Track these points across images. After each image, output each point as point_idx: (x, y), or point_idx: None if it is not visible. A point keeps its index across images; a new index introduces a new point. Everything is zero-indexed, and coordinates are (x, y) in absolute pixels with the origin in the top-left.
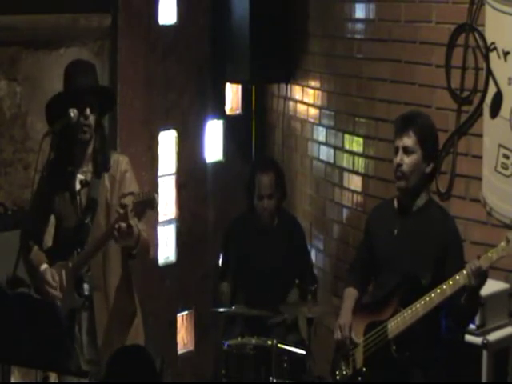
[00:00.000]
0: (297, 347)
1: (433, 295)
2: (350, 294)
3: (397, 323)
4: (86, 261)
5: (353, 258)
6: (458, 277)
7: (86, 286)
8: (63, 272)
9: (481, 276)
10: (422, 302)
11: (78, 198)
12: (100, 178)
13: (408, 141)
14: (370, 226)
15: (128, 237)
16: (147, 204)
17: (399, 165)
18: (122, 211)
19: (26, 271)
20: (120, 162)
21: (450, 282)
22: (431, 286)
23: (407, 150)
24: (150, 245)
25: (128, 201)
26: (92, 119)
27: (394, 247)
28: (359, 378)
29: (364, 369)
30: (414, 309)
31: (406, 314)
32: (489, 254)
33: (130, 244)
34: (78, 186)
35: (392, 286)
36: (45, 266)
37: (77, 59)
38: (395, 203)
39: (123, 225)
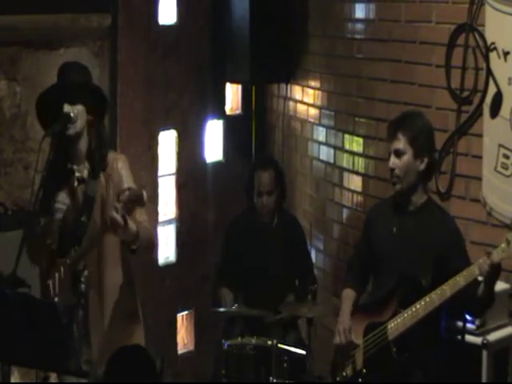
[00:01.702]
0: (297, 347)
1: (433, 296)
2: (348, 297)
3: (397, 324)
4: (82, 257)
5: (350, 257)
6: (458, 278)
7: (82, 283)
8: (61, 269)
9: (495, 270)
10: (422, 303)
11: (75, 195)
12: (97, 178)
13: (398, 143)
14: (369, 225)
15: (123, 229)
16: (135, 200)
17: (392, 169)
18: (117, 205)
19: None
20: (116, 160)
21: (451, 283)
22: (431, 287)
23: (398, 153)
24: (153, 237)
25: (125, 197)
26: (76, 115)
27: (393, 246)
28: (359, 380)
29: (364, 370)
30: (414, 310)
31: (406, 315)
32: (490, 254)
33: (128, 238)
34: (75, 183)
35: (391, 287)
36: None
37: (66, 61)
38: (393, 202)
39: (117, 216)
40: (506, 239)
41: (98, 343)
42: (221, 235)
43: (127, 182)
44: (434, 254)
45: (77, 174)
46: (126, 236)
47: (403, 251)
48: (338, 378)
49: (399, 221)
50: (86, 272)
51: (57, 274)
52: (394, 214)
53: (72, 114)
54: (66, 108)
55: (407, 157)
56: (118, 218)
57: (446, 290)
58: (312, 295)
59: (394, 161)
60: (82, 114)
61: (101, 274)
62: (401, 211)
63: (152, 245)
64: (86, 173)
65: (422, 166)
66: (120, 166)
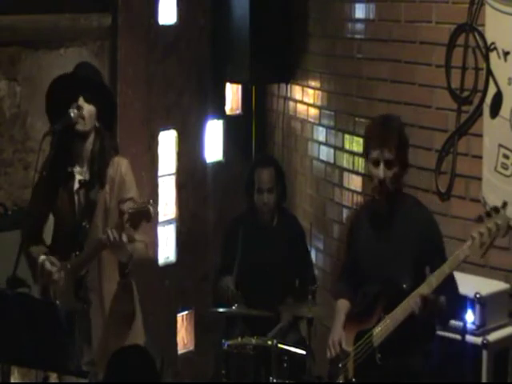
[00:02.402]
0: (297, 347)
1: (410, 300)
2: (342, 308)
3: (380, 331)
4: (84, 264)
5: (341, 264)
6: (431, 278)
7: (84, 289)
8: (62, 272)
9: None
10: (402, 308)
11: (76, 198)
12: (101, 183)
13: (390, 155)
14: (350, 234)
15: (118, 249)
16: (142, 215)
17: (383, 180)
18: (118, 220)
19: (28, 265)
20: (120, 164)
21: (425, 285)
22: (412, 289)
23: (389, 164)
24: (148, 256)
25: (127, 206)
26: (87, 112)
27: (373, 253)
28: None
29: (354, 379)
30: (393, 315)
31: (388, 321)
32: (456, 255)
33: (122, 259)
34: (76, 186)
35: (375, 294)
36: (43, 256)
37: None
38: (370, 208)
39: (115, 235)
40: (471, 236)
41: (100, 345)
42: (221, 235)
43: (130, 189)
44: (414, 255)
45: (79, 177)
46: (121, 257)
47: (383, 257)
48: None
49: (377, 227)
50: (87, 277)
51: (58, 265)
52: (372, 220)
53: (73, 114)
54: (81, 101)
55: (397, 169)
56: (117, 236)
57: (422, 292)
58: (312, 295)
59: (385, 172)
60: (92, 114)
61: (101, 276)
62: (378, 216)
63: (151, 262)
64: (87, 176)
65: (405, 173)
66: (124, 171)
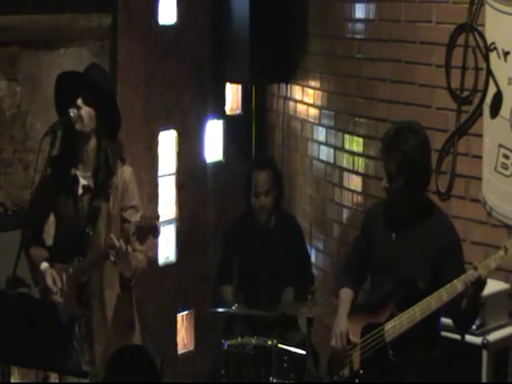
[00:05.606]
0: (299, 345)
1: (430, 300)
2: (346, 297)
3: (394, 327)
4: (86, 271)
5: (347, 255)
6: (456, 283)
7: (86, 294)
8: (64, 276)
9: (479, 284)
10: (420, 307)
11: (80, 203)
12: (105, 191)
13: (391, 167)
14: (367, 228)
15: (123, 262)
16: (149, 230)
17: (387, 192)
18: (124, 232)
19: (29, 267)
20: (124, 172)
21: (448, 288)
22: (429, 290)
23: (392, 177)
24: (147, 264)
25: (129, 215)
26: (85, 113)
27: (393, 252)
28: (356, 380)
29: (361, 371)
30: (411, 313)
31: (403, 318)
32: (487, 262)
33: (126, 274)
34: (80, 191)
35: (389, 290)
36: (45, 264)
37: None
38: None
39: (122, 245)
40: (504, 247)
41: (101, 348)
42: (221, 235)
43: (133, 197)
44: (432, 257)
45: (83, 182)
46: (125, 272)
47: (403, 256)
48: (334, 378)
49: (398, 226)
50: (90, 283)
51: (59, 282)
52: (392, 217)
53: (72, 114)
54: (79, 102)
55: (401, 182)
56: (123, 245)
57: (443, 294)
58: (312, 295)
59: (386, 183)
60: (90, 117)
61: (103, 282)
62: (399, 215)
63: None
64: (91, 183)
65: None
66: (128, 179)
